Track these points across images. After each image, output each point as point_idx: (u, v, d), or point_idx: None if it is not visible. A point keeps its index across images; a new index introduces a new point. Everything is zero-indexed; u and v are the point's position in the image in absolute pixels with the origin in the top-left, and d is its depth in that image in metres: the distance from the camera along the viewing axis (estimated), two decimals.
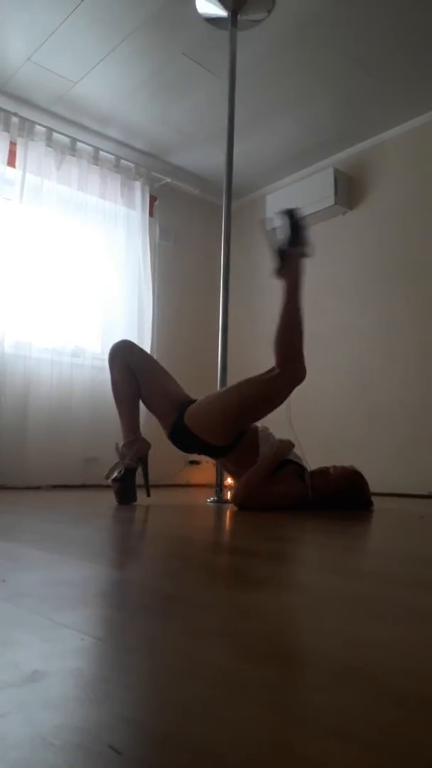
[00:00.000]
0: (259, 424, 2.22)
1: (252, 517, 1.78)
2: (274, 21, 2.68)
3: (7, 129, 3.26)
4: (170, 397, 2.19)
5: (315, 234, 3.91)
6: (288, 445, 2.10)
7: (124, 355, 2.21)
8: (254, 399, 2.03)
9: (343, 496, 2.03)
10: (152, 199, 4.01)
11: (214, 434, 2.07)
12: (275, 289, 4.08)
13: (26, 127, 3.33)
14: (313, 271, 3.93)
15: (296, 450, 2.19)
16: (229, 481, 2.41)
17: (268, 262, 4.17)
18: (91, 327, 3.58)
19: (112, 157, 3.73)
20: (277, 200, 3.94)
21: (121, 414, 2.20)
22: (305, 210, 3.75)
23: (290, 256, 2.05)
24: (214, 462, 2.38)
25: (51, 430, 3.24)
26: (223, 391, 2.14)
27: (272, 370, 2.04)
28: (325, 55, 2.93)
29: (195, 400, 2.18)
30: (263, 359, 4.05)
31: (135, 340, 3.63)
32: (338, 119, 3.48)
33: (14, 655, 0.48)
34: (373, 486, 2.15)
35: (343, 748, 0.33)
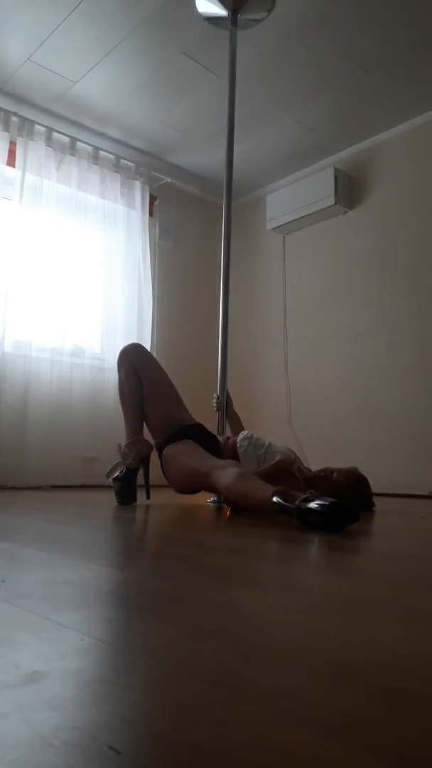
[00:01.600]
0: (243, 434, 2.21)
1: (252, 517, 1.78)
2: (274, 20, 2.68)
3: (6, 128, 3.26)
4: (166, 417, 2.20)
5: (315, 234, 3.94)
6: (285, 464, 2.01)
7: (131, 358, 2.23)
8: (204, 485, 2.04)
9: (345, 497, 2.02)
10: (152, 199, 4.01)
11: (173, 484, 2.14)
12: (275, 289, 4.09)
13: (26, 127, 3.33)
14: (313, 271, 3.95)
15: (296, 449, 2.19)
16: None
17: (267, 261, 4.19)
18: (91, 327, 3.58)
19: (112, 156, 3.73)
20: (277, 200, 3.94)
21: (125, 415, 2.23)
22: (305, 210, 3.76)
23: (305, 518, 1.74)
24: None
25: (51, 429, 3.24)
26: (189, 463, 2.05)
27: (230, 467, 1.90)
28: (325, 55, 2.93)
29: (189, 425, 2.18)
30: (263, 359, 4.07)
31: (135, 340, 3.63)
32: (338, 119, 3.48)
33: (14, 656, 0.48)
34: (374, 486, 2.15)
35: (343, 749, 0.34)
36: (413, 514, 2.08)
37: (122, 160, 3.78)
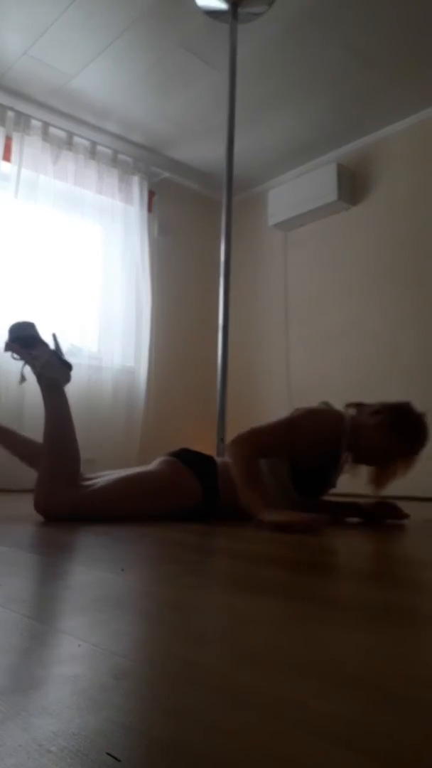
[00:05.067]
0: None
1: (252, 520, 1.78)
2: (275, 13, 2.69)
3: (2, 123, 3.27)
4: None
5: (318, 230, 3.94)
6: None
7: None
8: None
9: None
10: (150, 195, 4.01)
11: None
12: (276, 287, 4.10)
13: (22, 122, 3.33)
14: (316, 268, 3.96)
15: None
16: None
17: (268, 258, 4.19)
18: (88, 325, 3.58)
19: (110, 151, 3.73)
20: (279, 196, 3.94)
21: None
22: (307, 206, 3.77)
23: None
24: None
25: None
26: None
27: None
28: (327, 48, 2.94)
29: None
30: (264, 359, 4.07)
31: (132, 338, 3.64)
32: (341, 113, 3.48)
33: (10, 661, 0.49)
34: None
35: (345, 756, 0.34)
36: (418, 517, 2.08)
37: (120, 155, 3.79)
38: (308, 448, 1.71)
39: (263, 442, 1.73)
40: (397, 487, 2.89)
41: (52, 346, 1.82)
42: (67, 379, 1.80)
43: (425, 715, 0.40)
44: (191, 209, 4.33)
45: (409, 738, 0.36)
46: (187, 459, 1.85)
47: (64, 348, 3.61)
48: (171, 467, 1.81)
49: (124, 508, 1.71)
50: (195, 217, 4.33)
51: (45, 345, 1.80)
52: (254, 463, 1.68)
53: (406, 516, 1.88)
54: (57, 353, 1.80)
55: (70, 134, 3.53)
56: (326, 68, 3.09)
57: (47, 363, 1.75)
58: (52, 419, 1.72)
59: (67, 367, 1.80)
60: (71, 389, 3.37)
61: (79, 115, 3.58)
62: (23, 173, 3.32)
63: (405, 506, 2.47)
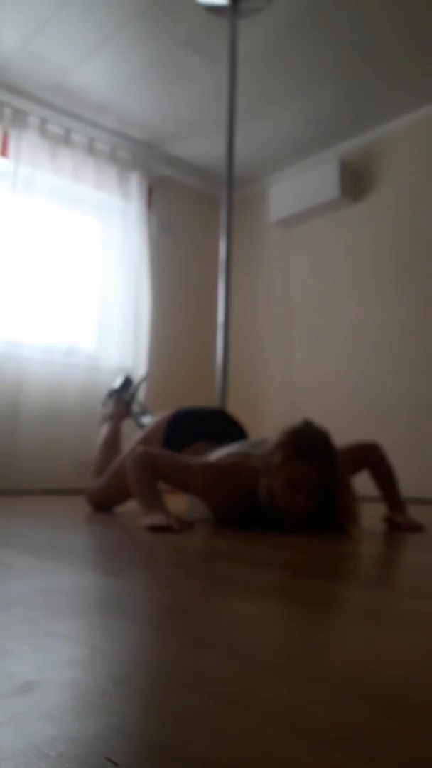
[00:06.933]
0: None
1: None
2: (276, 8, 2.69)
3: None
4: None
5: (321, 227, 3.94)
6: None
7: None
8: None
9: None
10: (150, 191, 4.02)
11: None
12: (277, 284, 4.10)
13: (20, 117, 3.34)
14: (318, 266, 3.96)
15: None
16: None
17: (270, 256, 4.20)
18: (86, 324, 3.58)
19: (108, 147, 3.74)
20: (281, 192, 3.94)
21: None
22: (309, 203, 3.77)
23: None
24: None
25: (43, 432, 3.24)
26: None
27: None
28: (329, 43, 2.93)
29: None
30: (265, 358, 4.07)
31: (131, 337, 3.64)
32: (344, 108, 3.48)
33: (7, 665, 0.49)
34: None
35: (348, 762, 0.34)
36: (426, 520, 2.08)
37: (119, 151, 3.79)
38: (223, 505, 1.73)
39: (162, 473, 1.73)
40: (407, 489, 2.88)
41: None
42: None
43: (426, 719, 0.40)
44: (191, 206, 4.34)
45: (410, 742, 0.37)
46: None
47: (61, 348, 3.63)
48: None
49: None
50: (195, 213, 4.34)
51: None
52: (153, 479, 1.71)
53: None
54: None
55: (69, 130, 3.54)
56: (328, 63, 3.09)
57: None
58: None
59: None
60: (67, 390, 3.40)
61: (78, 111, 3.58)
62: (20, 169, 3.32)
63: (415, 509, 2.46)
